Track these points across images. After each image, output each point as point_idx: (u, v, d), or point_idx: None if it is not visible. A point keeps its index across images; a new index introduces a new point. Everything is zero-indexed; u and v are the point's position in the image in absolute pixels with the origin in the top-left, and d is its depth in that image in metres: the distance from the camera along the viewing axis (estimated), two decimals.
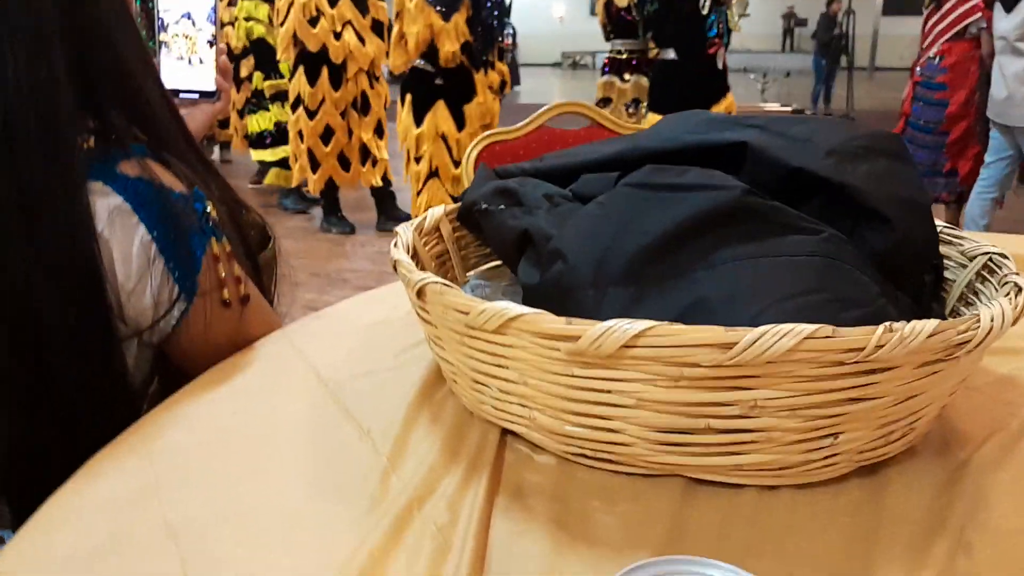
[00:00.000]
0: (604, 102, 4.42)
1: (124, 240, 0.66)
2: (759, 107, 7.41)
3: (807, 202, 0.54)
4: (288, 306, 0.88)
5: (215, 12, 0.91)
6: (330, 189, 4.25)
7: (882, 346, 0.45)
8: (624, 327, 0.46)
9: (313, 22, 3.84)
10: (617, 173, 0.60)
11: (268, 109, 4.85)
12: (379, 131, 4.21)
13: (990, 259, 0.63)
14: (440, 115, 3.64)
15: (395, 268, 0.63)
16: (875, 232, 0.54)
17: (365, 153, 4.17)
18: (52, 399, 0.65)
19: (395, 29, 3.59)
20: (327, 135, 4.06)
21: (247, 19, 4.65)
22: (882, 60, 8.92)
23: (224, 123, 5.67)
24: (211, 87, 0.91)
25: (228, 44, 3.96)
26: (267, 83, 4.72)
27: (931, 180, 3.80)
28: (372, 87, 4.10)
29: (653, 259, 0.52)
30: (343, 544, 0.48)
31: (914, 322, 0.46)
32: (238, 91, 4.83)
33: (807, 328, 0.44)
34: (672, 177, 0.54)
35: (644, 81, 4.28)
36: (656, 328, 0.46)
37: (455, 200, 0.80)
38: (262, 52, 4.66)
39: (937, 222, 0.67)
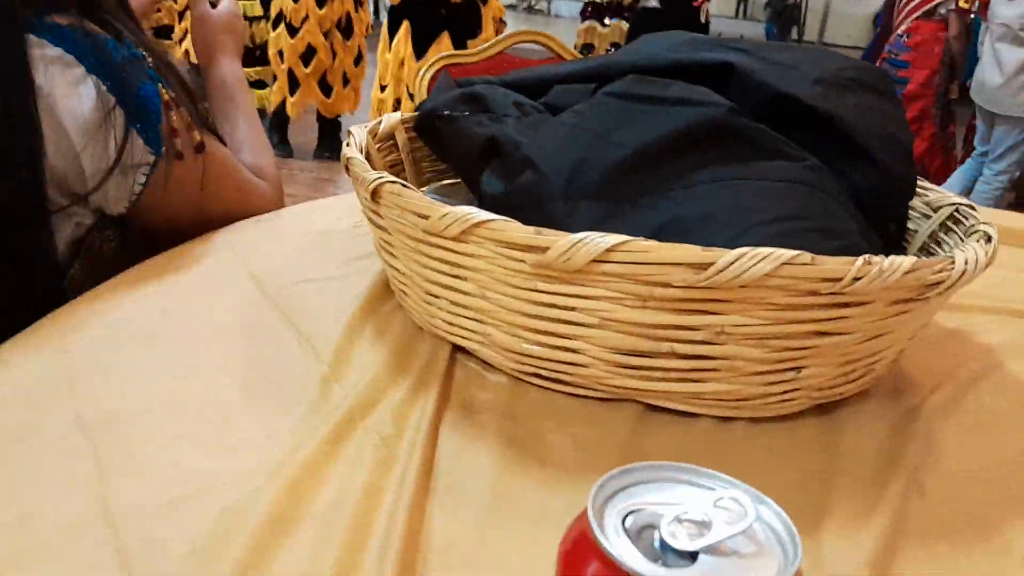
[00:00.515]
0: (587, 48, 4.31)
1: (70, 93, 0.60)
2: None
3: (790, 130, 0.52)
4: None
5: None
6: (282, 110, 4.05)
7: (860, 278, 0.43)
8: (596, 240, 0.44)
9: None
10: (594, 85, 0.57)
11: None
12: (357, 59, 3.98)
13: (956, 210, 0.62)
14: (445, 49, 3.47)
15: (346, 168, 0.58)
16: (857, 168, 0.52)
17: (345, 80, 3.96)
18: None
19: None
20: (308, 55, 3.82)
21: None
22: (830, 36, 9.00)
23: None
24: None
25: None
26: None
27: None
28: (356, 11, 3.88)
29: (629, 174, 0.49)
30: (276, 448, 0.44)
31: (892, 257, 0.44)
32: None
33: (787, 253, 0.42)
34: (655, 89, 0.51)
35: (624, 25, 4.21)
36: (630, 243, 0.44)
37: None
38: None
39: None
